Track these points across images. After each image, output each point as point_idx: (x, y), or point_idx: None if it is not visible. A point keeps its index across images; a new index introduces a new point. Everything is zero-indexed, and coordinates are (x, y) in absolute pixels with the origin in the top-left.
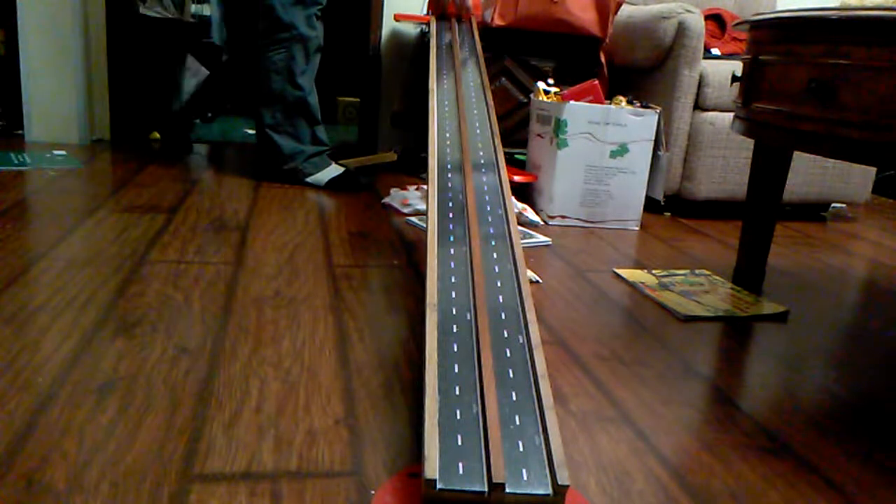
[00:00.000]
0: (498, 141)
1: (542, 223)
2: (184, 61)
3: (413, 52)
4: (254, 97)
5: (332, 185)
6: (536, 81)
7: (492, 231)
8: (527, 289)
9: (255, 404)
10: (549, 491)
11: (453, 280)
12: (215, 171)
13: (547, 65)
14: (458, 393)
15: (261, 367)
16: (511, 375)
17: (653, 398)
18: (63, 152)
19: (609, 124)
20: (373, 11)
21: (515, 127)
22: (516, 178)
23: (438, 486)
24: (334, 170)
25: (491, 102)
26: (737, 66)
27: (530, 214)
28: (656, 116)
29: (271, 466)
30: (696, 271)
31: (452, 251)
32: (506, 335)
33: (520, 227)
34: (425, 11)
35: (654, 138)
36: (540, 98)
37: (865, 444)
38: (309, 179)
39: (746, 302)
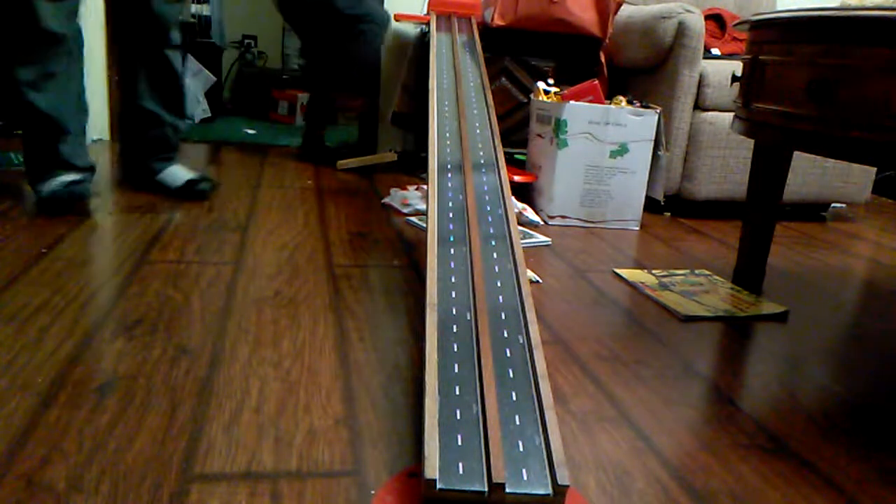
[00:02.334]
0: (498, 141)
1: (542, 223)
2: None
3: (413, 52)
4: None
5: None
6: (536, 81)
7: (492, 231)
8: (527, 289)
9: (255, 404)
10: (549, 491)
11: (453, 280)
12: (215, 171)
13: (547, 65)
14: (458, 393)
15: (261, 367)
16: (511, 375)
17: (653, 398)
18: None
19: (609, 124)
20: None
21: (515, 127)
22: (516, 178)
23: (438, 486)
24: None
25: (491, 102)
26: (737, 66)
27: (530, 214)
28: (656, 116)
29: (271, 466)
30: (696, 271)
31: (452, 251)
32: (506, 335)
33: (520, 227)
34: (425, 11)
35: (654, 138)
36: (540, 98)
37: (865, 444)
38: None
39: (746, 302)
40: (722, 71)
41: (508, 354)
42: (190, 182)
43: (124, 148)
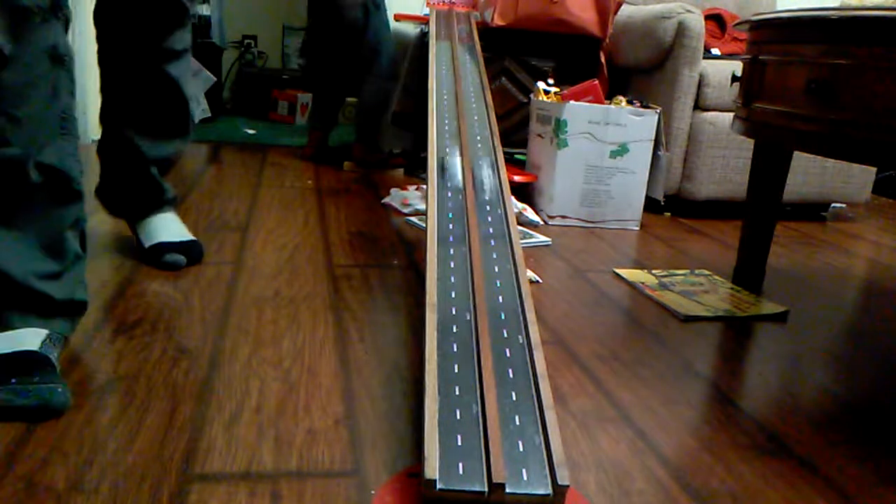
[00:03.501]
0: (497, 141)
1: (542, 223)
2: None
3: (413, 52)
4: None
5: None
6: (536, 81)
7: (491, 231)
8: (527, 289)
9: (255, 404)
10: (549, 491)
11: (453, 280)
12: (215, 171)
13: (547, 65)
14: (458, 393)
15: (261, 367)
16: (511, 375)
17: (653, 398)
18: None
19: (609, 124)
20: None
21: (515, 127)
22: (516, 178)
23: (438, 486)
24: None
25: (490, 102)
26: (737, 66)
27: (530, 214)
28: (656, 116)
29: (271, 466)
30: (696, 271)
31: (452, 251)
32: (506, 335)
33: (520, 227)
34: (425, 11)
35: (654, 138)
36: (540, 98)
37: (865, 444)
38: None
39: (746, 302)
40: (722, 71)
41: (508, 354)
42: (159, 247)
43: (102, 186)
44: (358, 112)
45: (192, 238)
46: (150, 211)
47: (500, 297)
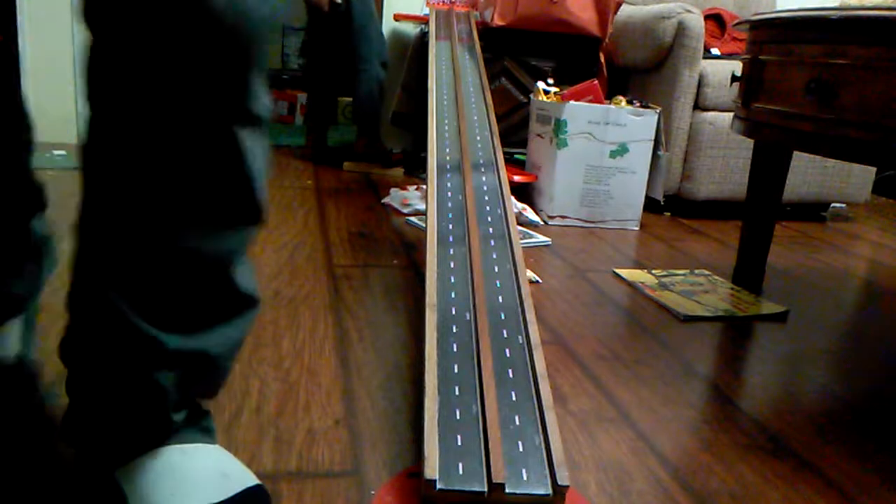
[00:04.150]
0: (497, 141)
1: (542, 223)
2: None
3: (413, 52)
4: None
5: None
6: (536, 81)
7: (491, 231)
8: (526, 289)
9: (255, 405)
10: (549, 491)
11: (453, 280)
12: None
13: (547, 65)
14: (457, 393)
15: (261, 367)
16: (511, 375)
17: (653, 398)
18: (63, 152)
19: (609, 124)
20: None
21: (515, 127)
22: (516, 178)
23: (438, 486)
24: None
25: (490, 102)
26: (737, 66)
27: (530, 214)
28: (656, 116)
29: (271, 466)
30: (696, 271)
31: (452, 251)
32: (505, 335)
33: (520, 227)
34: (425, 11)
35: (653, 138)
36: (540, 98)
37: (865, 444)
38: None
39: (746, 302)
40: (722, 71)
41: (508, 354)
42: None
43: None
44: (354, 107)
45: None
46: (150, 444)
47: (500, 297)
